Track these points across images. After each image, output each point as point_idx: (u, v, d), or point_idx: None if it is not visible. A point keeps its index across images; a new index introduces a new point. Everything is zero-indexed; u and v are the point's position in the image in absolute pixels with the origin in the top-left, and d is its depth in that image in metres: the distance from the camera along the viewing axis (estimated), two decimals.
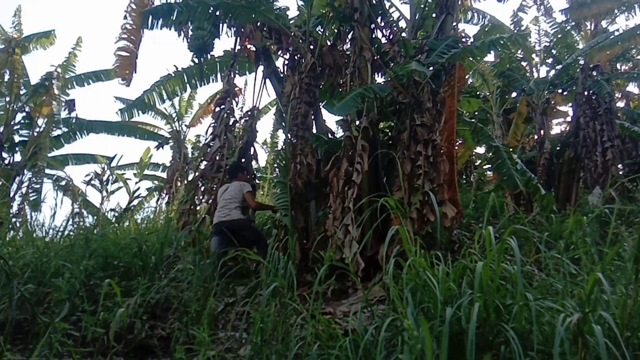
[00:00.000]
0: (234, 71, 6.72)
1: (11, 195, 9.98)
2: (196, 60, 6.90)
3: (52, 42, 11.64)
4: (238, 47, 6.63)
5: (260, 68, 6.52)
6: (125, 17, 6.58)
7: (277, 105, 7.39)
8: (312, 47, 5.90)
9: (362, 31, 5.48)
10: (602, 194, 7.53)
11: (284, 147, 5.72)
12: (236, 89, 6.64)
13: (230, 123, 6.31)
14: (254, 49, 6.58)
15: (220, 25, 6.27)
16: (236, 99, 6.51)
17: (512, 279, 2.24)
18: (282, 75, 6.37)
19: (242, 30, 6.40)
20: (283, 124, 6.08)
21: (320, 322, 2.54)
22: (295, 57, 6.07)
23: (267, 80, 6.50)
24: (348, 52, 5.95)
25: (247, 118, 6.39)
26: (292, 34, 5.94)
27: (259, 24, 6.22)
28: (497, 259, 2.16)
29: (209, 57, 7.13)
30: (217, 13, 5.64)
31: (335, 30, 6.27)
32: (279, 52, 6.45)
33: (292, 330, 2.66)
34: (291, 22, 6.44)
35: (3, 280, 3.55)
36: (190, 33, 6.29)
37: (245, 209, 5.49)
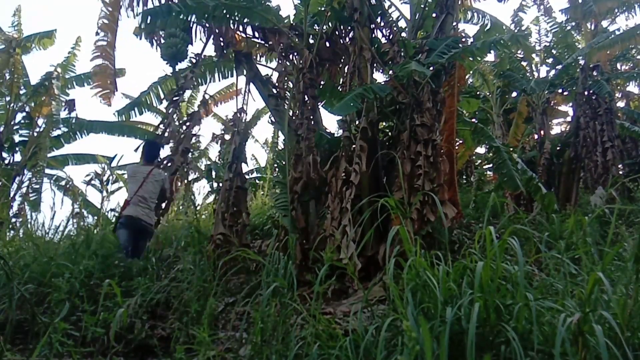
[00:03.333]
0: (195, 72, 6.55)
1: (11, 195, 9.99)
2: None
3: (53, 42, 11.64)
4: (208, 51, 6.57)
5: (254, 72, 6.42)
6: (97, 34, 6.30)
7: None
8: (310, 42, 5.88)
9: (362, 31, 5.48)
10: (604, 194, 7.52)
11: (283, 146, 5.68)
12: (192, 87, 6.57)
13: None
14: (234, 53, 6.44)
15: (193, 31, 6.18)
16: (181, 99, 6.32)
17: (512, 279, 2.24)
18: (265, 79, 6.30)
19: (223, 34, 6.27)
20: (279, 124, 6.04)
21: (321, 322, 2.54)
22: (294, 56, 6.06)
23: (252, 85, 6.36)
24: (345, 46, 5.95)
25: (235, 121, 6.22)
26: (289, 33, 5.93)
27: (241, 27, 6.15)
28: (498, 259, 2.16)
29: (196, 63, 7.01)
30: (215, 14, 5.62)
31: (332, 26, 6.23)
32: (277, 52, 6.42)
33: (292, 330, 2.65)
34: (285, 20, 6.42)
35: (3, 280, 3.55)
36: (162, 41, 6.12)
37: None
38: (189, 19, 5.58)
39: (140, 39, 6.32)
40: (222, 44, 6.35)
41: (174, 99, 6.33)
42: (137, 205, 5.04)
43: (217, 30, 6.32)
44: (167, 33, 5.97)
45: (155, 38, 6.25)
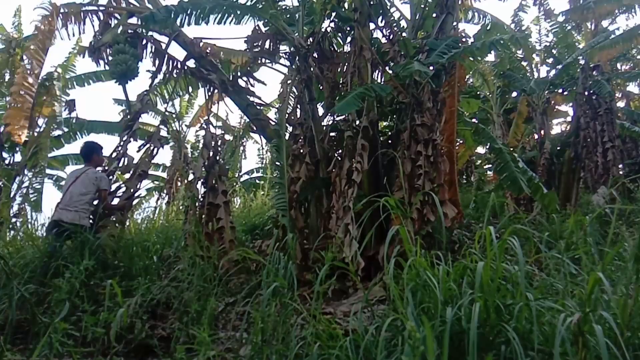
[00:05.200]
0: (150, 94, 6.17)
1: (12, 195, 9.99)
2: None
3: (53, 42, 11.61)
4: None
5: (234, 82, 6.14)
6: (21, 59, 5.80)
7: (277, 106, 7.35)
8: (310, 40, 5.87)
9: (362, 31, 5.48)
10: (607, 194, 7.50)
11: (278, 147, 5.55)
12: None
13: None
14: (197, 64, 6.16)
15: (143, 45, 6.01)
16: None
17: (512, 279, 2.24)
18: (240, 87, 6.17)
19: (188, 46, 6.09)
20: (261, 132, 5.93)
21: (321, 322, 2.54)
22: (292, 55, 6.04)
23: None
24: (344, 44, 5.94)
25: (204, 132, 5.88)
26: (287, 32, 5.90)
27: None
28: (498, 259, 2.16)
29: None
30: (212, 15, 5.58)
31: (331, 25, 6.22)
32: (280, 51, 6.37)
33: (292, 330, 2.66)
34: (285, 17, 6.38)
35: (3, 280, 3.56)
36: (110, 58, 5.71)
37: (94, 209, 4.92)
38: (188, 22, 5.49)
39: (83, 57, 6.03)
40: (190, 57, 6.11)
41: (129, 124, 5.81)
42: (63, 208, 4.73)
43: (165, 47, 6.13)
44: (115, 49, 5.59)
45: (101, 56, 5.81)
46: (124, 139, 5.71)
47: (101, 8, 6.11)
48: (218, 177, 5.47)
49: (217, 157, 5.66)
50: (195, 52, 6.07)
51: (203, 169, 5.49)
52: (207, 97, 6.18)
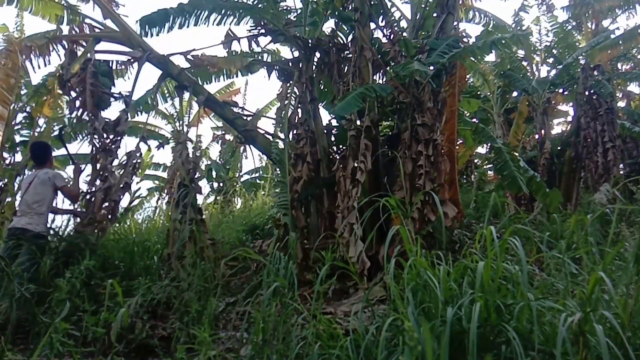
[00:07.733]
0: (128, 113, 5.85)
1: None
2: None
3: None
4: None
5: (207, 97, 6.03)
6: None
7: (277, 105, 7.32)
8: (309, 43, 5.86)
9: (362, 31, 5.48)
10: (610, 191, 7.47)
11: (282, 146, 5.55)
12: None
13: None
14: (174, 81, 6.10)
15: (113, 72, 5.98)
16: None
17: (513, 278, 2.24)
18: (222, 101, 6.16)
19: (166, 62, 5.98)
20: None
21: (321, 322, 2.54)
22: (293, 56, 6.03)
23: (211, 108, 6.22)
24: (345, 44, 5.94)
25: (194, 148, 5.85)
26: (289, 33, 5.90)
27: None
28: (498, 259, 2.16)
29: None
30: (213, 15, 5.57)
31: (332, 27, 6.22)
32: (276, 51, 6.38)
33: (293, 330, 2.66)
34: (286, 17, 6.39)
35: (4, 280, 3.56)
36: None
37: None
38: (188, 25, 5.47)
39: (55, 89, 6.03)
40: (166, 75, 6.06)
41: (111, 147, 5.56)
42: (21, 215, 4.56)
43: (138, 69, 5.95)
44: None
45: (73, 88, 5.52)
46: (105, 160, 5.52)
47: (65, 36, 5.95)
48: (193, 196, 5.25)
49: (190, 174, 5.44)
50: (173, 70, 5.94)
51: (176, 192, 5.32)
52: (188, 117, 6.13)
